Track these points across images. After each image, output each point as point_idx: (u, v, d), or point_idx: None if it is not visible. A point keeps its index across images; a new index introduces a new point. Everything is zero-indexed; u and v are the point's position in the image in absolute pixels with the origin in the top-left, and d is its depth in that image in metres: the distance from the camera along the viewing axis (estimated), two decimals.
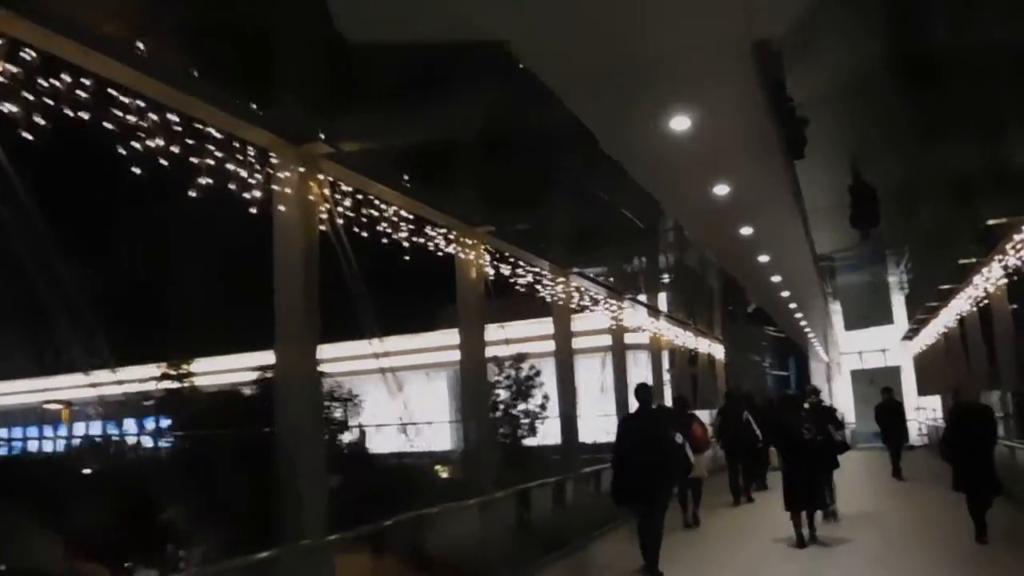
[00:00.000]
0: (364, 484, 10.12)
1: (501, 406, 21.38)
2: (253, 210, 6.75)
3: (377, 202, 8.30)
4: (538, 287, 11.63)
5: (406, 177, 8.63)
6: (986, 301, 14.72)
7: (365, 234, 7.97)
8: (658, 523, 8.50)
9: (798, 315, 26.15)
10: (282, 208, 7.01)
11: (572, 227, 12.19)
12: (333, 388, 12.64)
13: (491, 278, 10.43)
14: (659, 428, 8.86)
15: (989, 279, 13.97)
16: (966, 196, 13.13)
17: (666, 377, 20.35)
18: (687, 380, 21.87)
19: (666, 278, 21.14)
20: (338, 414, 13.27)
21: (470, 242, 9.84)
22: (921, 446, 23.75)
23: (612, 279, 15.71)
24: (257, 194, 6.80)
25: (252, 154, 6.66)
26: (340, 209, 7.69)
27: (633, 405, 9.05)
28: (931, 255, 18.84)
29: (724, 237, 13.84)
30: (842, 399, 31.54)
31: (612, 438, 9.11)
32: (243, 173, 6.54)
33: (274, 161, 6.97)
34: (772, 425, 11.28)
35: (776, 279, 18.78)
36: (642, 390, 9.13)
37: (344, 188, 7.82)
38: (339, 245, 7.67)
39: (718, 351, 26.95)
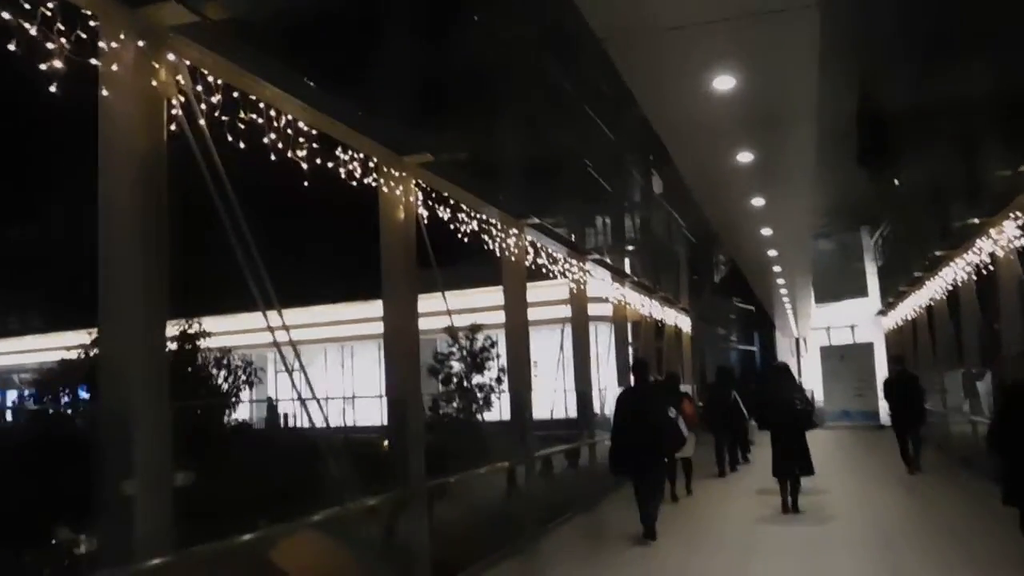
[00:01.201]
0: (259, 473, 8.15)
1: (455, 379, 20.75)
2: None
3: (274, 113, 6.17)
4: (484, 238, 9.59)
5: (307, 79, 6.50)
6: (991, 267, 13.06)
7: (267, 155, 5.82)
8: (657, 491, 9.11)
9: (780, 280, 24.51)
10: (106, 93, 4.86)
11: (530, 168, 10.10)
12: (222, 356, 10.50)
13: (426, 223, 8.38)
14: (655, 402, 9.36)
15: (999, 241, 12.30)
16: (983, 141, 11.32)
17: (630, 351, 18.67)
18: (652, 354, 20.24)
19: (634, 238, 19.33)
20: (251, 389, 11.23)
21: (397, 174, 7.76)
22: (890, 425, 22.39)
23: (573, 236, 13.72)
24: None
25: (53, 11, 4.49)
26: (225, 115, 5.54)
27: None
28: (923, 217, 17.19)
29: (719, 166, 11.42)
30: (810, 377, 30.32)
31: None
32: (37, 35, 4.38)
33: (94, 26, 4.82)
34: (765, 395, 11.69)
35: (767, 232, 16.92)
36: (640, 365, 9.94)
37: (213, 80, 5.67)
38: (214, 180, 5.53)
39: (684, 323, 25.35)
